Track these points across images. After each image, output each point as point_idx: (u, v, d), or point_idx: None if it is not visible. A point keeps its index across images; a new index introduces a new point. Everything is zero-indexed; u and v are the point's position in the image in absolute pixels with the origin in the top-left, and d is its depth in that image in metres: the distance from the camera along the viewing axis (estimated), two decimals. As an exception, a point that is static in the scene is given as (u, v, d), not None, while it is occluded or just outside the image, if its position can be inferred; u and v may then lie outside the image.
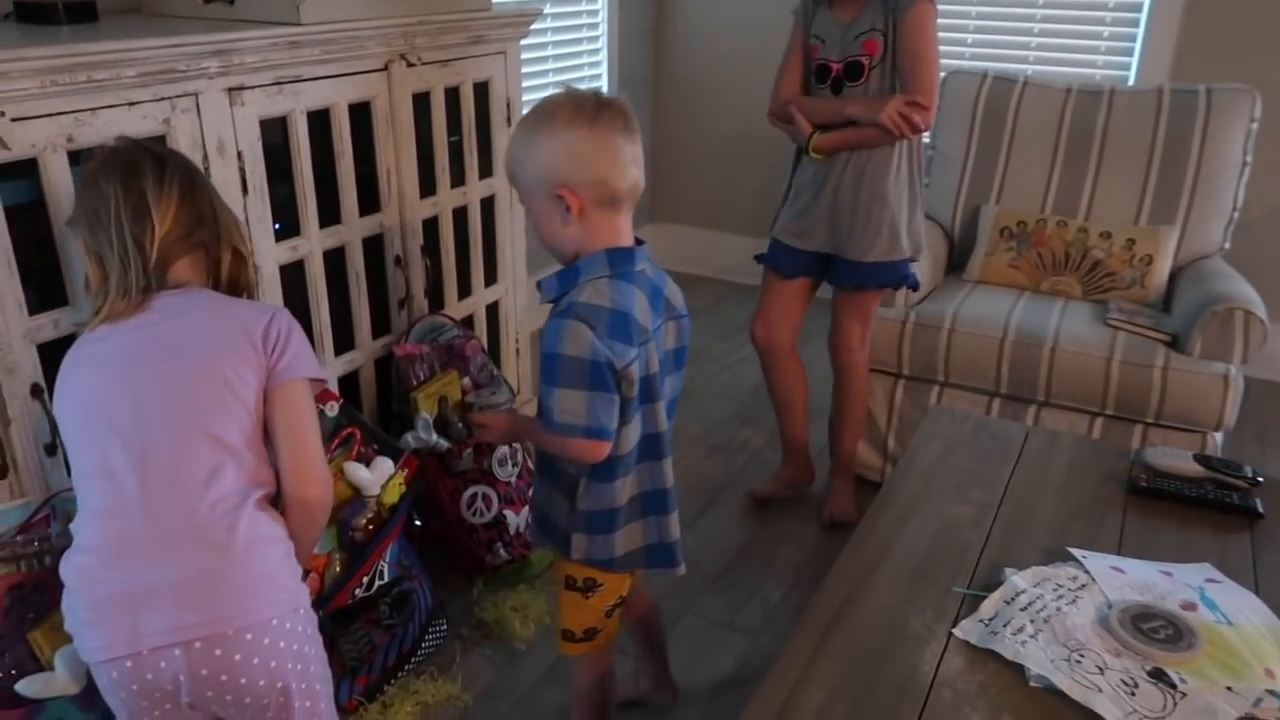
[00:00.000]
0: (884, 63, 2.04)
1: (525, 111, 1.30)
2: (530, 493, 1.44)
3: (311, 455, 1.30)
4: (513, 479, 2.17)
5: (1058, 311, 2.40)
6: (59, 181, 1.46)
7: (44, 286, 1.48)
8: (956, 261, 2.75)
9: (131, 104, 1.52)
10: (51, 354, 1.50)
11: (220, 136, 1.67)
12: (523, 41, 2.37)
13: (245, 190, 1.74)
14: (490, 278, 2.48)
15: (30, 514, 1.46)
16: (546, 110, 1.27)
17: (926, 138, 2.82)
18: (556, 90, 1.31)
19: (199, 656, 1.16)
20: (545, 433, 1.30)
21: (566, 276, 1.30)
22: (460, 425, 2.12)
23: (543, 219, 1.30)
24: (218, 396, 1.24)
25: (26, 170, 1.44)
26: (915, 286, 2.27)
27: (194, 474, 1.21)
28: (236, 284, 1.39)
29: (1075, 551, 1.35)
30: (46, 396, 1.48)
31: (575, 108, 1.25)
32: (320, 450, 1.32)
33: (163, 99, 1.57)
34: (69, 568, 1.20)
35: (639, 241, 1.33)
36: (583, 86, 3.45)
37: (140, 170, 1.29)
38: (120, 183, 1.27)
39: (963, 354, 2.32)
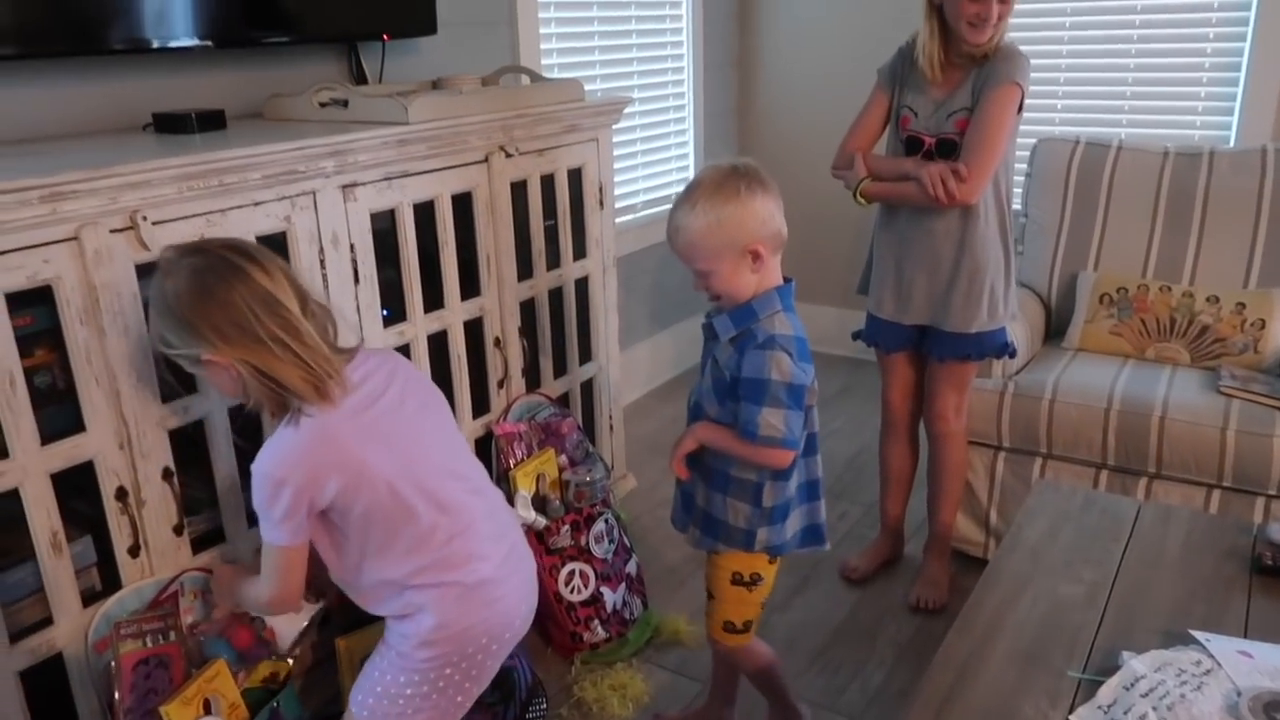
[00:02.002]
0: None
1: (687, 191, 1.53)
2: (697, 501, 1.67)
3: None
4: (609, 555, 2.18)
5: (1165, 379, 2.32)
6: (191, 278, 1.56)
7: (176, 373, 1.57)
8: (1054, 330, 2.70)
9: (256, 204, 1.64)
10: (180, 440, 1.60)
11: (335, 230, 1.78)
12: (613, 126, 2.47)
13: (357, 280, 1.83)
14: (585, 356, 2.54)
15: (160, 590, 1.54)
16: (722, 186, 1.49)
17: (1018, 204, 2.82)
18: (709, 168, 1.54)
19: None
20: (744, 443, 1.52)
21: (741, 315, 1.54)
22: (558, 503, 2.16)
23: (729, 274, 1.51)
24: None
25: (162, 269, 1.55)
26: (1014, 354, 2.24)
27: (488, 482, 1.56)
28: (326, 332, 1.41)
29: (1197, 634, 1.29)
30: (175, 480, 1.57)
31: (745, 179, 1.50)
32: None
33: (284, 198, 1.68)
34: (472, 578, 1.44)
35: (787, 279, 1.58)
36: (672, 164, 3.60)
37: (243, 269, 1.31)
38: (243, 287, 1.30)
39: (1066, 424, 2.26)
